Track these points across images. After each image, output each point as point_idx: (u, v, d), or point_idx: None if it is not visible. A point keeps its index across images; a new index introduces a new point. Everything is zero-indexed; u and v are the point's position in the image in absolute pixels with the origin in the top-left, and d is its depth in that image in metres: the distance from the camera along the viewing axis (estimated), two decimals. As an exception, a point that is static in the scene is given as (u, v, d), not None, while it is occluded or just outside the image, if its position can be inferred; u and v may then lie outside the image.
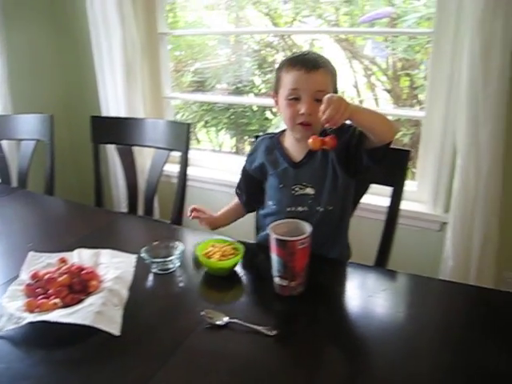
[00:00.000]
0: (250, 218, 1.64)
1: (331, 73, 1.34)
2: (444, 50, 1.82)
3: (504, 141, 1.70)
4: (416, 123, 2.55)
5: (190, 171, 2.08)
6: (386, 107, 2.66)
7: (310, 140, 1.20)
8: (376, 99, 2.81)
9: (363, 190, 1.58)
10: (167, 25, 2.62)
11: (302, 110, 1.29)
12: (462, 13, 1.70)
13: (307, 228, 1.14)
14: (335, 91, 1.37)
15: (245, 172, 1.54)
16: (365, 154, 1.27)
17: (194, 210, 1.53)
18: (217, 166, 2.58)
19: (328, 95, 1.11)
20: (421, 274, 1.27)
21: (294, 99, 1.32)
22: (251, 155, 1.51)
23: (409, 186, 2.10)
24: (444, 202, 1.97)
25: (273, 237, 1.12)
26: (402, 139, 2.64)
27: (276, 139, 1.46)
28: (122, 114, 2.38)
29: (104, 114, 2.51)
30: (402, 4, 2.49)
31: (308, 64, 1.30)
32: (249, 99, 2.89)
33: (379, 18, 2.50)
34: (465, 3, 1.67)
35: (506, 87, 1.64)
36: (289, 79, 1.33)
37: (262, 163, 1.45)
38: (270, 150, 1.45)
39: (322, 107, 1.11)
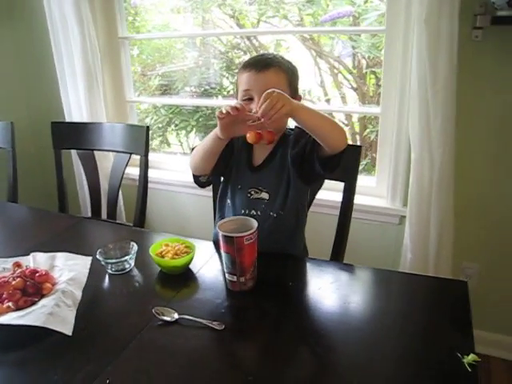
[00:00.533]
0: (210, 220, 1.67)
1: (285, 72, 1.34)
2: (395, 48, 1.87)
3: (454, 133, 1.75)
4: (381, 120, 2.60)
5: (158, 174, 2.11)
6: (353, 105, 2.70)
7: (248, 135, 1.21)
8: (343, 97, 2.84)
9: (318, 187, 1.61)
10: (133, 29, 2.63)
11: (254, 110, 1.27)
12: (409, 11, 1.74)
13: (254, 224, 1.17)
14: (294, 90, 1.38)
15: None
16: (317, 162, 1.27)
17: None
18: (185, 168, 2.59)
19: (268, 90, 1.11)
20: (382, 268, 1.31)
21: (248, 100, 1.33)
22: None
23: (368, 181, 2.15)
24: (402, 196, 2.01)
25: (220, 234, 1.15)
26: (369, 136, 2.69)
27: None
28: (85, 119, 2.38)
29: (67, 119, 2.50)
30: (363, 3, 2.54)
31: (258, 65, 1.33)
32: (215, 101, 2.91)
33: (340, 17, 2.54)
34: (412, 1, 1.71)
35: (454, 82, 1.68)
36: (242, 81, 1.35)
37: (232, 152, 1.45)
38: (243, 145, 1.45)
39: (260, 102, 1.11)
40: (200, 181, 1.47)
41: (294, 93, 1.38)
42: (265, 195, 1.40)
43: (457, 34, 1.64)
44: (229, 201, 1.46)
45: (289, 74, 1.36)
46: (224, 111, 1.19)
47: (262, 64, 1.32)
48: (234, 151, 1.45)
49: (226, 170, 1.46)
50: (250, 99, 1.33)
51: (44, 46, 2.53)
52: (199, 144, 1.42)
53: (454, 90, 1.69)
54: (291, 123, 1.42)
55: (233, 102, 1.24)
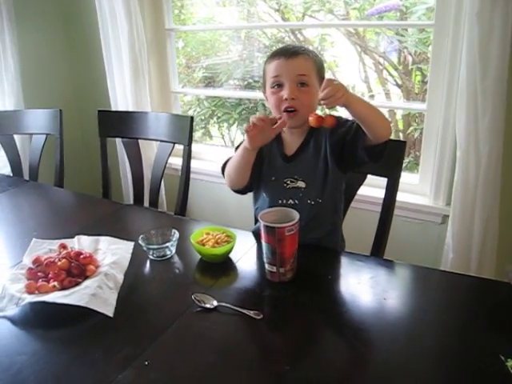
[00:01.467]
0: (251, 213, 1.67)
1: (313, 59, 1.35)
2: (444, 43, 1.82)
3: (503, 132, 1.70)
4: (426, 117, 2.55)
5: (199, 165, 2.13)
6: (398, 102, 2.65)
7: (310, 118, 1.22)
8: (387, 94, 2.80)
9: (360, 182, 1.60)
10: (179, 21, 2.67)
11: (285, 95, 1.31)
12: (461, 4, 1.70)
13: (295, 215, 1.17)
14: (321, 79, 1.37)
15: None
16: (362, 149, 1.28)
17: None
18: (224, 159, 2.61)
19: (329, 78, 1.15)
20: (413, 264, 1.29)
21: (278, 86, 1.34)
22: None
23: (411, 178, 2.11)
24: (445, 195, 1.97)
25: (262, 224, 1.16)
26: (413, 134, 2.64)
27: None
28: (130, 109, 2.43)
29: (113, 108, 2.56)
30: (411, -4, 2.49)
31: (286, 52, 1.34)
32: (259, 94, 2.91)
33: (386, 10, 2.49)
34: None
35: (505, 79, 1.63)
36: (271, 69, 1.36)
37: (262, 154, 1.45)
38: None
39: (322, 86, 1.13)
40: (240, 190, 1.48)
41: (321, 82, 1.37)
42: (301, 184, 1.39)
43: (510, 28, 1.59)
44: (264, 194, 1.46)
45: (317, 63, 1.37)
46: (251, 124, 1.25)
47: (291, 51, 1.34)
48: (263, 155, 1.44)
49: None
50: (279, 86, 1.34)
51: (93, 36, 2.60)
52: (229, 161, 1.43)
53: (504, 86, 1.64)
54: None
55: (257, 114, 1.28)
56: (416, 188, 2.07)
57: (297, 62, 1.32)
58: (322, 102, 1.15)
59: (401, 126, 2.74)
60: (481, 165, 1.73)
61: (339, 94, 1.11)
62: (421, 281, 1.28)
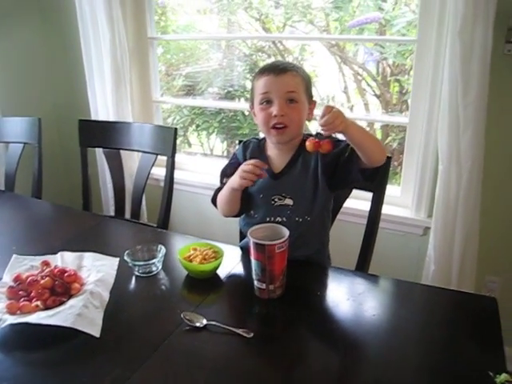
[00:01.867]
0: (235, 226, 1.66)
1: (301, 76, 1.36)
2: (426, 58, 1.85)
3: (484, 147, 1.73)
4: (405, 128, 2.58)
5: (180, 175, 2.11)
6: (376, 113, 2.68)
7: (307, 142, 1.23)
8: (366, 104, 2.82)
9: (345, 196, 1.60)
10: (158, 29, 2.64)
11: (275, 112, 1.32)
12: (443, 22, 1.72)
13: (285, 232, 1.17)
14: (309, 96, 1.40)
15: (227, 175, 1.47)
16: (356, 171, 1.30)
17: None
18: (207, 169, 2.59)
19: (328, 104, 1.19)
20: (404, 278, 1.30)
21: (266, 103, 1.35)
22: (234, 160, 1.51)
23: (393, 190, 2.13)
24: (427, 207, 1.99)
25: (251, 241, 1.15)
26: (391, 144, 2.66)
27: (262, 145, 1.48)
28: (111, 118, 2.39)
29: (93, 117, 2.51)
30: (391, 10, 2.52)
31: (275, 68, 1.35)
32: (239, 104, 2.91)
33: (367, 22, 2.52)
34: (446, 12, 1.69)
35: (485, 95, 1.66)
36: (259, 85, 1.36)
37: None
38: (255, 157, 1.44)
39: (321, 113, 1.14)
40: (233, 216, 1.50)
41: (310, 98, 1.41)
42: (289, 201, 1.39)
43: (490, 47, 1.61)
44: (252, 211, 1.45)
45: (305, 80, 1.38)
46: (251, 176, 1.29)
47: (280, 68, 1.35)
48: None
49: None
50: (268, 102, 1.35)
51: (73, 44, 2.55)
52: (219, 194, 1.45)
53: (485, 103, 1.67)
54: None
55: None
56: (398, 200, 2.09)
57: (286, 78, 1.33)
58: (321, 128, 1.16)
59: (379, 136, 2.77)
60: (462, 179, 1.75)
61: (338, 121, 1.13)
62: (411, 296, 1.28)
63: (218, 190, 1.47)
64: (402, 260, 2.08)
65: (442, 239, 1.85)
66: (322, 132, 1.17)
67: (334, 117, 1.12)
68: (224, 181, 1.45)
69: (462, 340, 1.06)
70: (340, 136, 1.27)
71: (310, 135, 1.45)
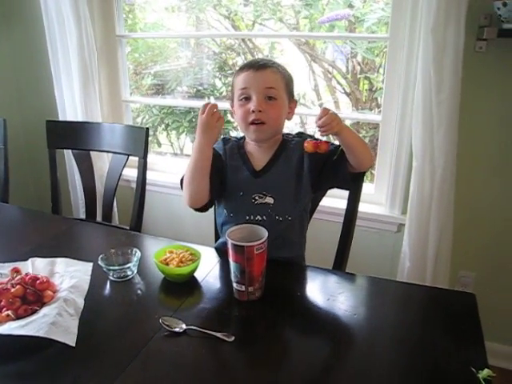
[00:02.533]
0: (211, 227, 1.64)
1: (282, 74, 1.36)
2: (399, 56, 1.86)
3: (457, 144, 1.75)
4: (375, 126, 2.60)
5: (151, 176, 2.06)
6: (346, 110, 2.69)
7: (305, 144, 1.26)
8: (336, 102, 2.84)
9: (321, 196, 1.60)
10: (126, 27, 2.58)
11: (252, 108, 1.32)
12: (415, 19, 1.74)
13: (264, 233, 1.15)
14: (290, 94, 1.40)
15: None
16: (343, 171, 1.34)
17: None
18: (177, 170, 2.56)
19: (325, 107, 1.23)
20: (380, 275, 1.31)
21: (245, 99, 1.34)
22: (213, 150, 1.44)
23: (367, 188, 2.14)
24: (401, 204, 2.01)
25: (230, 242, 1.12)
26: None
27: (241, 144, 1.46)
28: (80, 118, 2.33)
29: (61, 118, 2.45)
30: (361, 7, 2.53)
31: (255, 64, 1.35)
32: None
33: (337, 19, 2.53)
34: (418, 10, 1.71)
35: (458, 92, 1.68)
36: (239, 81, 1.36)
37: (222, 165, 1.43)
38: (233, 154, 1.44)
39: (318, 114, 1.20)
40: (200, 208, 1.42)
41: (291, 96, 1.41)
42: (269, 200, 1.38)
43: (462, 44, 1.64)
44: (229, 209, 1.42)
45: (285, 77, 1.38)
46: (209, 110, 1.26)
47: (260, 64, 1.35)
48: (221, 167, 1.42)
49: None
50: (247, 98, 1.34)
51: (39, 42, 2.47)
52: (185, 172, 1.37)
53: (458, 100, 1.70)
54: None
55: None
56: (372, 197, 2.10)
57: (265, 74, 1.33)
58: (318, 129, 1.21)
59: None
60: (436, 175, 1.77)
61: (334, 123, 1.19)
62: (391, 294, 1.29)
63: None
64: (377, 257, 2.10)
65: (417, 236, 1.87)
66: (319, 133, 1.24)
67: (331, 118, 1.19)
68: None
69: (443, 336, 1.06)
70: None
71: (289, 134, 1.45)
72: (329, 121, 1.19)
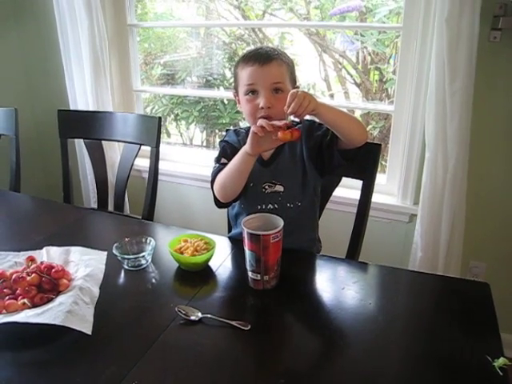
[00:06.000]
0: (223, 217, 1.64)
1: (286, 63, 1.34)
2: (412, 46, 1.84)
3: (470, 135, 1.74)
4: (386, 117, 2.58)
5: (161, 165, 2.06)
6: (356, 101, 2.68)
7: (280, 134, 1.19)
8: (346, 93, 2.82)
9: (335, 184, 1.59)
10: (136, 16, 2.57)
11: (261, 104, 1.30)
12: (429, 9, 1.72)
13: (279, 222, 1.15)
14: (293, 81, 1.39)
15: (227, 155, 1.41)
16: (337, 153, 1.30)
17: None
18: (187, 159, 2.56)
19: (292, 90, 1.15)
20: (391, 265, 1.30)
21: (252, 94, 1.33)
22: (228, 143, 1.46)
23: (379, 178, 2.13)
24: (413, 195, 2.00)
25: (246, 231, 1.12)
26: (371, 132, 2.67)
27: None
28: (90, 108, 2.33)
29: (72, 107, 2.45)
30: (373, -2, 2.51)
31: (260, 58, 1.31)
32: (219, 92, 2.87)
33: (349, 10, 2.50)
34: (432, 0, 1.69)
35: (472, 83, 1.67)
36: (244, 75, 1.33)
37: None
38: (242, 145, 1.43)
39: (287, 101, 1.13)
40: (228, 203, 1.42)
41: (294, 83, 1.39)
42: (279, 188, 1.39)
43: (477, 34, 1.62)
44: (240, 200, 1.42)
45: (289, 66, 1.37)
46: (260, 129, 1.20)
47: (264, 57, 1.32)
48: None
49: None
50: (254, 93, 1.32)
51: (50, 31, 2.47)
52: (222, 172, 1.36)
53: (471, 90, 1.68)
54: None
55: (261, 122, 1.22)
56: (384, 188, 2.09)
57: (271, 68, 1.30)
58: (292, 115, 1.16)
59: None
60: (448, 166, 1.76)
61: (305, 102, 1.13)
62: (406, 284, 1.29)
63: (217, 171, 1.38)
64: (389, 247, 2.09)
65: (429, 226, 1.86)
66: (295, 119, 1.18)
67: (299, 100, 1.12)
68: (222, 161, 1.40)
69: (457, 325, 1.05)
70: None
71: (293, 121, 1.43)
72: (298, 103, 1.12)
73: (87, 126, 1.89)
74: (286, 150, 1.40)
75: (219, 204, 1.41)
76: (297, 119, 1.25)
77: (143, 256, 1.26)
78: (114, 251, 1.24)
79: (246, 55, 1.36)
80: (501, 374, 0.88)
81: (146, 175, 1.85)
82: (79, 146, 2.39)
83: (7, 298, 1.06)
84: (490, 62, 1.75)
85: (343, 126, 1.23)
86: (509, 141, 1.85)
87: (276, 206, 1.38)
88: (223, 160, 1.40)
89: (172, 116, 3.18)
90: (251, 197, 1.40)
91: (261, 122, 1.20)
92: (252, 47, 2.78)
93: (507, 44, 1.72)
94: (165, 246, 1.29)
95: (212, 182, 1.40)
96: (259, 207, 1.38)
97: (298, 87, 1.41)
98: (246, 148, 1.27)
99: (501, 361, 0.90)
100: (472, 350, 0.97)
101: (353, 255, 1.54)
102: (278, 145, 1.26)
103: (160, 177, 1.88)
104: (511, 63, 1.75)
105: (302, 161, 1.39)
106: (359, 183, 1.54)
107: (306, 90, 1.16)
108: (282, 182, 1.39)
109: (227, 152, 1.41)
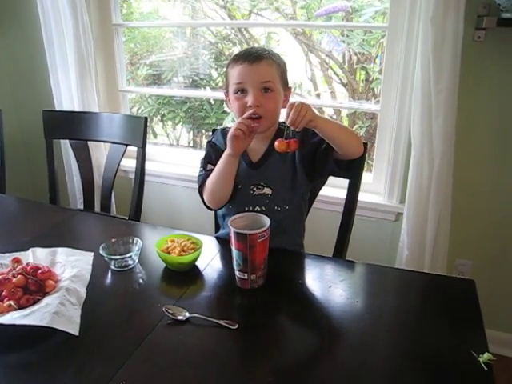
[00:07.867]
0: (210, 217, 1.64)
1: (276, 63, 1.35)
2: (398, 45, 1.86)
3: (455, 133, 1.76)
4: (372, 116, 2.60)
5: (147, 166, 2.06)
6: (343, 100, 2.69)
7: (276, 143, 1.23)
8: (332, 92, 2.83)
9: (321, 183, 1.60)
10: (121, 16, 2.56)
11: (249, 103, 1.30)
12: (414, 9, 1.73)
13: (266, 221, 1.15)
14: (285, 82, 1.39)
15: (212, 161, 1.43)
16: (333, 162, 1.33)
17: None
18: (174, 160, 2.55)
19: (290, 101, 1.18)
20: (378, 264, 1.32)
21: (241, 92, 1.33)
22: (214, 145, 1.47)
23: (365, 177, 2.14)
24: (399, 193, 2.02)
25: (232, 230, 1.12)
26: (357, 132, 2.68)
27: None
28: (76, 109, 2.30)
29: (57, 107, 2.42)
30: (358, -1, 2.53)
31: (250, 57, 1.32)
32: (205, 93, 2.86)
33: (335, 11, 2.52)
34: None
35: (457, 81, 1.69)
36: (234, 74, 1.34)
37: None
38: None
39: (286, 113, 1.17)
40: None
41: (285, 85, 1.40)
42: (267, 190, 1.39)
43: (461, 33, 1.64)
44: (228, 202, 1.42)
45: (280, 67, 1.37)
46: (240, 132, 1.24)
47: (254, 56, 1.32)
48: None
49: None
50: (243, 92, 1.33)
51: (34, 31, 2.44)
52: (209, 178, 1.38)
53: (456, 89, 1.70)
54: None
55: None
56: (370, 187, 2.11)
57: (261, 68, 1.31)
58: (291, 127, 1.18)
59: (346, 124, 2.78)
60: (434, 165, 1.78)
61: (303, 111, 1.15)
62: (392, 282, 1.30)
63: (204, 178, 1.40)
64: (375, 246, 2.11)
65: (415, 225, 1.88)
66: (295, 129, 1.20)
67: (297, 110, 1.15)
68: (208, 167, 1.41)
69: (443, 322, 1.07)
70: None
71: (284, 123, 1.44)
72: (296, 114, 1.15)
73: (73, 126, 1.88)
74: (276, 154, 1.39)
75: (210, 208, 1.43)
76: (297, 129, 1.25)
77: (130, 256, 1.25)
78: (101, 252, 1.24)
79: (236, 54, 1.37)
80: (486, 369, 0.90)
81: (132, 176, 1.85)
82: (65, 146, 2.37)
83: (-8, 299, 1.06)
84: (475, 62, 1.77)
85: (341, 140, 1.26)
86: (494, 139, 1.87)
87: (264, 208, 1.38)
88: (209, 166, 1.41)
89: (158, 116, 3.16)
90: (239, 198, 1.40)
91: (241, 121, 1.24)
92: (238, 47, 2.78)
93: (491, 43, 1.74)
94: (152, 246, 1.29)
95: (200, 188, 1.41)
96: (247, 209, 1.38)
97: (289, 89, 1.42)
98: (227, 151, 1.30)
99: (486, 356, 0.92)
100: (458, 345, 0.98)
101: (340, 254, 1.55)
102: (253, 139, 1.29)
103: (147, 177, 1.88)
104: (495, 62, 1.77)
105: (294, 165, 1.39)
106: (346, 182, 1.55)
107: (302, 101, 1.18)
108: (271, 185, 1.39)
109: (211, 158, 1.43)
